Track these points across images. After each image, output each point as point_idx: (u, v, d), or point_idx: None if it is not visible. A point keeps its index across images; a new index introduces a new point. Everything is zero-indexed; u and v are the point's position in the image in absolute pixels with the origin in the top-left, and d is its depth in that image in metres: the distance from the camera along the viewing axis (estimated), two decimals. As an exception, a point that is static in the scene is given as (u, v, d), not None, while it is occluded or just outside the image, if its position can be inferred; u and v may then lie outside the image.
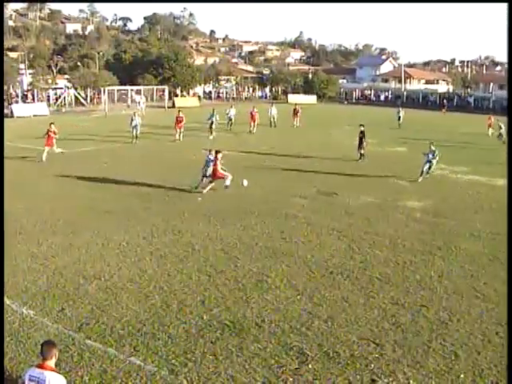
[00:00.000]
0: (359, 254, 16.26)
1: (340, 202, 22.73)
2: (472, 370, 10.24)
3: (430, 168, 28.02)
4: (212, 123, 42.56)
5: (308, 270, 14.80)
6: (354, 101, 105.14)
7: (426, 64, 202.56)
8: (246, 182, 23.82)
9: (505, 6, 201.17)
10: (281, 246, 16.67)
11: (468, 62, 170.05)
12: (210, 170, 23.85)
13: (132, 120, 38.59)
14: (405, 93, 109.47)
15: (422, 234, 18.60)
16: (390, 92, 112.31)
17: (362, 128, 33.68)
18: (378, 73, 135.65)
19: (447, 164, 31.74)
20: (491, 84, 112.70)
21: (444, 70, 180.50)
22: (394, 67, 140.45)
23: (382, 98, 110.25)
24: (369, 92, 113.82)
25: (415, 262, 15.72)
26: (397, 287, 13.80)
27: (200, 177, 24.12)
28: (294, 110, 53.42)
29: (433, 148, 28.05)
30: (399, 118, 55.47)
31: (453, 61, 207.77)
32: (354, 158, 33.38)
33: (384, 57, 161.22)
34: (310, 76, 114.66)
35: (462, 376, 10.02)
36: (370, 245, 17.12)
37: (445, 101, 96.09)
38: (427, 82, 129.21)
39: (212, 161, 23.81)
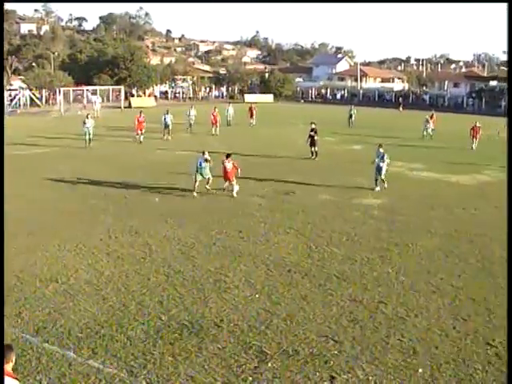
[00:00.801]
0: (317, 251, 16.36)
1: (297, 201, 22.83)
2: (430, 364, 10.38)
3: (381, 174, 25.89)
4: (167, 124, 42.05)
5: (266, 268, 14.85)
6: (310, 99, 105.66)
7: (382, 62, 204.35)
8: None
9: (453, 5, 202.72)
10: (239, 246, 16.70)
11: (423, 60, 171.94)
12: (206, 173, 23.67)
13: (84, 123, 36.87)
14: (361, 91, 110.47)
15: (379, 231, 18.80)
16: (346, 90, 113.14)
17: (314, 126, 33.85)
18: (334, 71, 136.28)
19: (403, 161, 32.13)
20: (446, 82, 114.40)
21: (399, 68, 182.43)
22: (350, 66, 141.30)
23: (338, 96, 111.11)
24: (325, 91, 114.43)
25: (372, 258, 15.89)
26: (354, 284, 13.93)
27: (193, 179, 23.61)
28: (250, 108, 53.89)
29: (381, 150, 26.34)
30: (351, 116, 55.14)
31: (408, 59, 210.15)
32: (308, 156, 33.59)
33: (340, 55, 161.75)
34: (267, 75, 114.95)
35: (420, 371, 10.15)
36: (327, 243, 17.24)
37: (400, 99, 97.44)
38: (383, 81, 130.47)
39: (204, 162, 23.82)
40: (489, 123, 57.64)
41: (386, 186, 25.93)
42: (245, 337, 11.18)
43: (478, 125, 41.60)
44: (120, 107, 70.11)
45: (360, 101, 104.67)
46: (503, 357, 10.62)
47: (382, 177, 25.95)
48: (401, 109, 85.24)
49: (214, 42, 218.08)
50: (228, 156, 24.49)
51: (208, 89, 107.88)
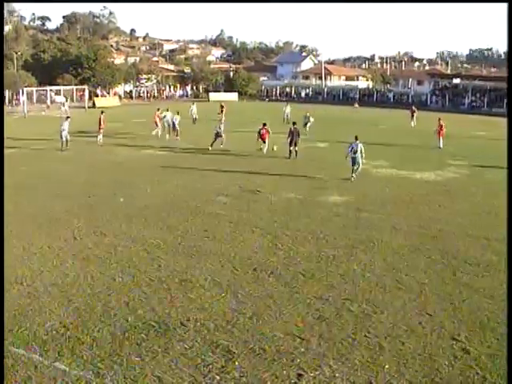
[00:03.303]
0: (282, 250, 16.40)
1: (263, 199, 22.86)
2: (396, 360, 10.44)
3: (356, 164, 27.50)
4: (174, 125, 42.17)
5: (232, 267, 14.84)
6: (275, 98, 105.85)
7: (347, 60, 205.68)
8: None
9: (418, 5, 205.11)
10: (204, 245, 16.66)
11: (387, 58, 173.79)
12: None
13: (62, 126, 36.24)
14: (325, 89, 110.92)
15: (345, 228, 18.92)
16: (310, 89, 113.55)
17: (295, 126, 34.24)
18: (298, 70, 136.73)
19: (368, 159, 32.32)
20: (410, 79, 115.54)
21: (364, 66, 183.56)
22: (315, 64, 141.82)
23: (303, 94, 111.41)
24: (289, 89, 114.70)
25: (338, 256, 15.96)
26: (320, 282, 13.98)
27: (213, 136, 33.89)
28: (221, 106, 56.28)
29: (357, 142, 27.60)
30: (284, 112, 55.19)
31: (372, 57, 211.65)
32: (273, 155, 33.76)
33: (304, 54, 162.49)
34: (231, 74, 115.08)
35: (386, 367, 10.21)
36: (293, 241, 17.29)
37: (356, 96, 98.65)
38: (347, 79, 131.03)
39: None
40: (453, 120, 58.51)
41: (353, 179, 27.10)
42: (211, 336, 11.17)
43: (441, 122, 42.06)
44: (84, 107, 69.60)
45: (324, 99, 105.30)
46: (470, 351, 10.77)
47: (359, 167, 27.41)
48: (356, 105, 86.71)
49: (179, 41, 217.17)
50: (264, 125, 35.36)
51: (173, 88, 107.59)
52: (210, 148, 35.58)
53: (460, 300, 13.07)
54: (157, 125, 43.71)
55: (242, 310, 12.34)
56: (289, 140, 33.93)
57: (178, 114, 42.65)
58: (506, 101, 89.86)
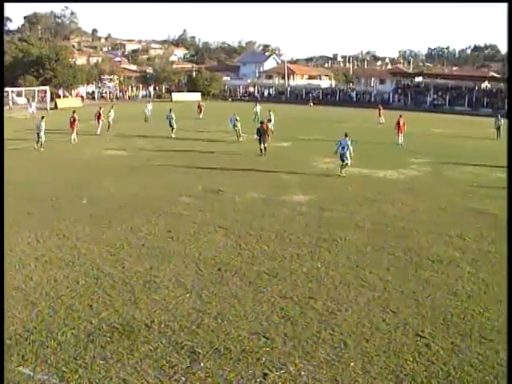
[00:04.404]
0: (246, 249, 16.41)
1: (226, 199, 22.85)
2: (361, 357, 10.50)
3: (344, 160, 28.51)
4: (171, 124, 44.42)
5: (196, 267, 14.81)
6: (238, 98, 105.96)
7: (309, 60, 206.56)
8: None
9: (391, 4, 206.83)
10: (168, 246, 16.60)
11: (350, 57, 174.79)
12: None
13: (38, 125, 36.53)
14: (288, 89, 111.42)
15: (308, 227, 18.98)
16: (273, 88, 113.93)
17: (263, 124, 35.16)
18: (261, 69, 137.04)
19: (330, 158, 32.56)
20: (372, 78, 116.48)
21: (327, 65, 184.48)
22: (278, 63, 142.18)
23: (266, 94, 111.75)
24: (253, 89, 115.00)
25: (302, 255, 16.02)
26: (285, 281, 14.02)
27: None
28: (199, 105, 62.13)
29: (347, 139, 28.63)
30: (255, 111, 55.87)
31: (335, 56, 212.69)
32: (237, 152, 33.89)
33: (267, 53, 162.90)
34: (194, 74, 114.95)
35: (352, 364, 10.26)
36: (256, 240, 17.31)
37: (311, 95, 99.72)
38: (310, 78, 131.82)
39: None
40: (415, 118, 59.16)
41: (342, 174, 28.46)
42: (176, 337, 11.14)
43: (401, 119, 42.56)
44: (46, 108, 68.88)
45: (288, 98, 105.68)
46: (433, 347, 10.88)
47: (348, 162, 28.50)
48: (311, 104, 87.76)
49: (141, 41, 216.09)
50: (269, 121, 40.53)
51: (135, 88, 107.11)
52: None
53: (423, 297, 13.20)
54: (98, 122, 44.72)
55: (207, 310, 12.33)
56: (258, 138, 34.81)
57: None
58: (467, 99, 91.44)
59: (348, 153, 28.41)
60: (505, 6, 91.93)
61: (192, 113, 60.10)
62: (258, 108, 56.62)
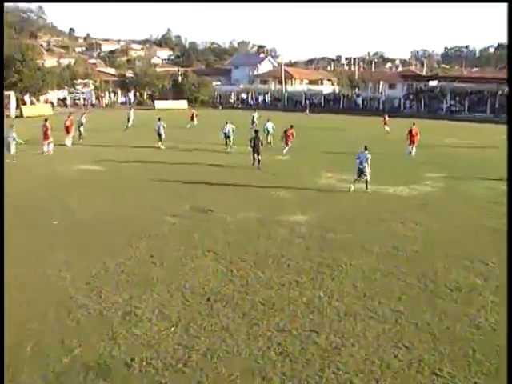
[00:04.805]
0: (239, 276, 16.33)
1: (216, 219, 22.81)
2: (369, 400, 10.45)
3: (362, 174, 28.72)
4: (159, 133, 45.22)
5: (182, 297, 14.72)
6: (229, 105, 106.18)
7: (310, 62, 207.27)
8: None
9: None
10: (150, 272, 16.51)
11: (355, 59, 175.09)
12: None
13: (7, 135, 37.10)
14: (286, 94, 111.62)
15: (309, 250, 18.93)
16: (269, 94, 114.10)
17: (258, 134, 36.21)
18: (256, 73, 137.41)
19: (333, 171, 32.59)
20: (381, 83, 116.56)
21: (329, 68, 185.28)
22: (274, 66, 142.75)
23: (261, 100, 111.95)
24: (246, 95, 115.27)
25: (302, 282, 15.95)
26: (282, 312, 13.94)
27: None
28: (192, 114, 63.20)
29: (366, 152, 28.83)
30: (252, 119, 56.63)
31: (338, 58, 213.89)
32: (228, 165, 34.01)
33: (262, 55, 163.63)
34: (180, 78, 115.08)
35: (358, 407, 10.22)
36: (250, 265, 17.24)
37: (307, 101, 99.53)
38: (311, 82, 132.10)
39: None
40: (429, 127, 59.32)
41: (369, 190, 28.59)
42: (160, 377, 11.03)
43: (414, 128, 42.66)
44: (10, 116, 68.40)
45: (285, 105, 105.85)
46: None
47: (367, 177, 28.64)
48: (307, 112, 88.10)
49: (119, 41, 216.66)
50: (292, 126, 41.89)
51: (113, 94, 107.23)
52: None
53: (440, 330, 13.13)
54: (68, 132, 44.32)
55: (194, 345, 12.24)
56: (251, 147, 35.58)
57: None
58: (489, 105, 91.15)
59: (368, 167, 28.61)
60: (505, 6, 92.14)
61: (180, 122, 60.18)
62: (256, 116, 57.16)
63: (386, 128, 60.65)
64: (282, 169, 35.49)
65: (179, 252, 18.46)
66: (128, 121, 57.58)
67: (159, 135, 44.99)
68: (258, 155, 35.22)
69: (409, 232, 21.43)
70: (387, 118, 62.74)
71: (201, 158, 39.43)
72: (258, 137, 35.79)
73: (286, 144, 41.44)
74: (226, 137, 43.89)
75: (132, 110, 61.06)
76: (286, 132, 41.76)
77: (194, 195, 27.20)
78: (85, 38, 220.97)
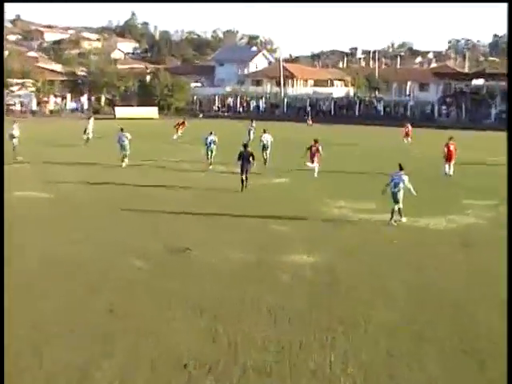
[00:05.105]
0: (225, 335, 16.31)
1: (197, 262, 22.83)
2: None
3: (398, 202, 28.62)
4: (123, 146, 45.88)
5: (151, 364, 14.57)
6: (213, 113, 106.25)
7: (316, 57, 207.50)
8: None
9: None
10: (110, 330, 16.47)
11: (375, 52, 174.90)
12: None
13: None
14: (285, 100, 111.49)
15: (316, 301, 18.95)
16: (263, 100, 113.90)
17: (247, 149, 36.64)
18: (246, 72, 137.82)
19: (347, 198, 32.68)
20: (408, 83, 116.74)
21: (341, 64, 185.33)
22: (270, 63, 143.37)
23: (253, 107, 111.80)
24: (234, 100, 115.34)
25: (308, 343, 15.95)
26: (283, 381, 13.95)
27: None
28: (178, 124, 66.21)
29: (402, 173, 29.02)
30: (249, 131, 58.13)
31: (353, 51, 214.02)
32: (212, 188, 34.20)
33: (255, 48, 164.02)
34: (149, 78, 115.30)
35: None
36: (240, 321, 17.24)
37: (309, 108, 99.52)
38: (317, 84, 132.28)
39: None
40: (473, 140, 59.41)
41: (403, 219, 28.79)
42: None
43: (451, 143, 42.71)
44: None
45: (284, 113, 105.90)
46: None
47: (400, 205, 28.54)
48: (309, 122, 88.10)
49: (68, 29, 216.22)
50: (316, 141, 42.14)
51: (61, 99, 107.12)
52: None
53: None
54: None
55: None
56: (239, 166, 35.98)
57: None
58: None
59: (402, 193, 28.62)
60: (505, 5, 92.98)
61: (150, 134, 60.17)
62: (253, 129, 58.68)
63: (407, 141, 62.41)
64: (281, 195, 35.56)
65: (147, 306, 18.42)
66: (85, 132, 57.86)
67: (122, 150, 45.47)
68: (246, 176, 35.64)
69: (445, 278, 21.43)
70: (409, 128, 64.17)
71: (176, 178, 39.52)
72: (247, 152, 36.12)
73: (312, 162, 41.79)
74: (209, 149, 44.75)
75: (92, 119, 61.96)
76: (310, 148, 41.96)
77: (167, 229, 27.28)
78: (13, 22, 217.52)
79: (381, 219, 29.64)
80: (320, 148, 42.08)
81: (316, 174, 41.58)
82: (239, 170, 36.21)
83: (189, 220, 29.18)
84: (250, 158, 36.14)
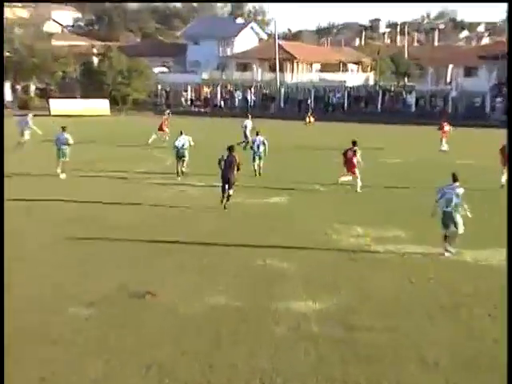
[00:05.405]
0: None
1: (161, 310, 22.85)
2: None
3: (456, 225, 28.49)
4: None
5: None
6: (184, 108, 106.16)
7: (323, 33, 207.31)
8: None
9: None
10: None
11: (404, 25, 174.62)
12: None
13: None
14: (282, 90, 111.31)
15: (323, 363, 19.01)
16: (253, 90, 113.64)
17: (233, 153, 36.78)
18: (229, 52, 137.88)
19: (365, 224, 32.77)
20: (450, 67, 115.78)
21: (357, 42, 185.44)
22: (261, 40, 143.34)
23: (239, 101, 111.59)
24: (212, 90, 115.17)
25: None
26: None
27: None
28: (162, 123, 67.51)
29: (456, 185, 28.69)
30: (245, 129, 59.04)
31: (374, 24, 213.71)
32: (179, 206, 34.55)
33: (241, 20, 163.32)
34: (96, 61, 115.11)
35: None
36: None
37: (309, 101, 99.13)
38: (325, 69, 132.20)
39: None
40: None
41: (448, 255, 28.70)
42: None
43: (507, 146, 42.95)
44: None
45: (282, 108, 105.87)
46: None
47: (460, 231, 28.41)
48: (310, 119, 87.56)
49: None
50: (354, 143, 42.63)
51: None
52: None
53: None
54: None
55: None
56: (220, 174, 36.17)
57: None
58: None
59: (460, 214, 28.39)
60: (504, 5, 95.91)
61: (101, 133, 59.94)
62: (249, 125, 59.83)
63: (444, 146, 63.04)
64: (277, 219, 35.59)
65: (97, 369, 18.48)
66: (22, 134, 58.22)
67: (62, 157, 45.84)
68: (228, 187, 35.89)
69: (498, 329, 21.42)
70: (447, 128, 64.38)
71: (135, 195, 39.56)
72: (231, 157, 36.15)
73: (352, 172, 42.19)
74: (179, 155, 45.25)
75: (29, 116, 61.25)
76: (345, 154, 42.25)
77: (122, 265, 27.33)
78: None
79: (411, 251, 29.74)
80: (358, 153, 42.29)
81: (359, 189, 42.01)
82: (221, 180, 36.30)
83: (151, 252, 29.15)
84: (234, 166, 36.28)
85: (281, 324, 21.76)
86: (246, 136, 59.24)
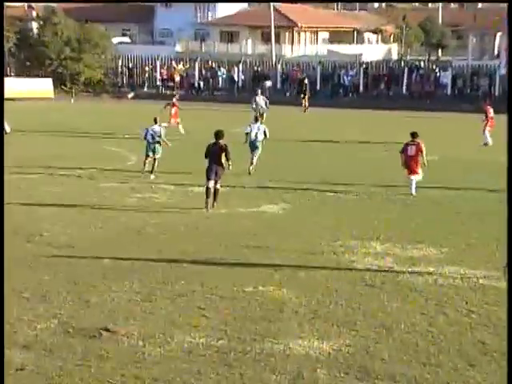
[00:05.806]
0: None
1: (121, 352, 22.70)
2: None
3: None
4: None
5: None
6: (151, 90, 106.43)
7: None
8: None
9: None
10: None
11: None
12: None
13: None
14: (279, 67, 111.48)
15: None
16: (242, 67, 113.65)
17: (219, 141, 37.52)
18: (210, 17, 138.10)
19: (386, 241, 32.78)
20: (498, 35, 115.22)
21: (376, 4, 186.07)
22: (251, 2, 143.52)
23: (223, 80, 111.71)
24: (186, 67, 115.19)
25: None
26: None
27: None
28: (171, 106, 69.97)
29: None
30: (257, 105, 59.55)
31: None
32: (157, 209, 34.45)
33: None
34: (36, 27, 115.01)
35: None
36: None
37: (306, 81, 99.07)
38: (335, 39, 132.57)
39: None
40: None
41: None
42: None
43: None
44: None
45: (278, 89, 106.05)
46: None
47: None
48: (304, 106, 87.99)
49: None
50: (413, 135, 43.69)
51: None
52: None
53: None
54: None
55: None
56: (206, 168, 36.85)
57: None
58: None
59: None
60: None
61: (45, 125, 59.88)
62: (262, 101, 58.80)
63: (487, 139, 63.14)
64: (275, 234, 35.63)
65: None
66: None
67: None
68: (214, 185, 36.17)
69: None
70: (491, 113, 64.15)
71: (93, 200, 39.58)
72: (216, 146, 36.62)
73: (414, 172, 42.54)
74: (150, 148, 45.83)
75: None
76: (404, 151, 42.55)
77: (72, 293, 27.24)
78: None
79: (448, 276, 29.74)
80: (423, 147, 42.61)
81: (414, 191, 42.34)
82: (206, 175, 36.60)
83: (112, 275, 29.14)
84: (222, 157, 36.51)
85: (278, 371, 21.65)
86: (262, 115, 59.26)
